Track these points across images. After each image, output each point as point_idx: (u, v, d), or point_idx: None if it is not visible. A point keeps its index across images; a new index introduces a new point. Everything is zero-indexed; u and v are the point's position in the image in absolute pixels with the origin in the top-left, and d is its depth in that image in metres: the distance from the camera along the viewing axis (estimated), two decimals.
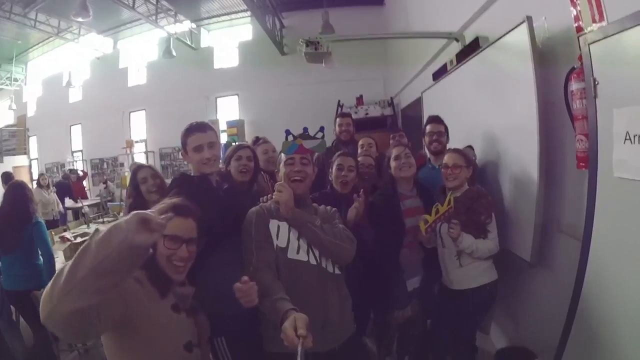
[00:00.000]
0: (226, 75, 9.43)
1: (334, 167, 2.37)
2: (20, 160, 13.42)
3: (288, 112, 8.39)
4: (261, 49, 8.42)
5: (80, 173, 10.51)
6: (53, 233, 5.15)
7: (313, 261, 1.75)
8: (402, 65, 5.72)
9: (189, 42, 9.59)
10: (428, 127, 2.83)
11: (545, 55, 2.09)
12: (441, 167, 2.38)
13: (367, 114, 6.96)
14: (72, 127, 12.29)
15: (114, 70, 11.13)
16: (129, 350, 1.26)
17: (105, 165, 11.67)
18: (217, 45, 9.93)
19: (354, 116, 6.86)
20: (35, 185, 7.87)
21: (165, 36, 9.03)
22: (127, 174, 10.34)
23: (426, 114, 4.20)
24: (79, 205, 8.66)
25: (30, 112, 13.36)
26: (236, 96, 9.43)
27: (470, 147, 2.75)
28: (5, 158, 12.91)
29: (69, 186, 9.27)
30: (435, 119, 2.84)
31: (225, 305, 1.52)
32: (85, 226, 6.25)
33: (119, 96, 10.92)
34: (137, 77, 10.85)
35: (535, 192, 2.15)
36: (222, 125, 9.29)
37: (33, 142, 13.53)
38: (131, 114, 11.08)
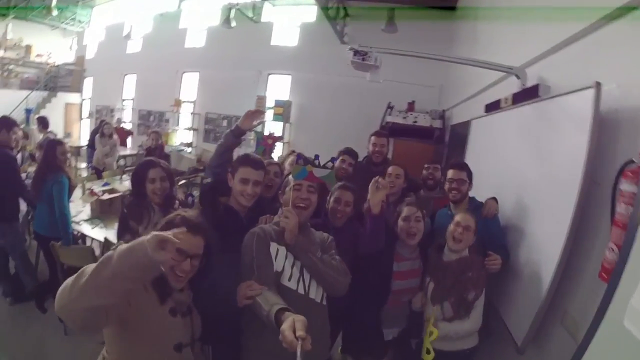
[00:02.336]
0: (282, 53, 9.58)
1: (332, 199, 2.43)
2: (73, 97, 14.55)
3: (336, 103, 8.48)
4: (322, 34, 8.41)
5: (125, 126, 11.21)
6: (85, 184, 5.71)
7: (301, 291, 1.86)
8: (461, 79, 5.57)
9: (250, 15, 9.71)
10: (449, 173, 2.77)
11: (606, 129, 1.89)
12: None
13: (415, 121, 6.89)
14: (126, 76, 12.96)
15: (174, 29, 11.56)
16: (123, 343, 1.48)
17: (151, 118, 12.21)
18: (277, 22, 10.00)
19: (401, 121, 6.92)
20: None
21: (228, 4, 9.13)
22: (171, 131, 10.83)
23: (472, 143, 4.16)
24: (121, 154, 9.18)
25: (90, 54, 14.19)
26: (289, 76, 9.48)
27: (494, 199, 2.68)
28: (59, 93, 14.14)
29: (103, 134, 9.66)
30: (457, 165, 2.80)
31: (216, 315, 1.75)
32: (118, 177, 6.63)
33: (175, 55, 11.37)
34: (196, 39, 11.20)
35: (551, 275, 2.01)
36: (270, 102, 9.53)
37: (88, 83, 14.40)
38: (184, 74, 11.51)
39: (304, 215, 1.95)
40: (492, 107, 3.60)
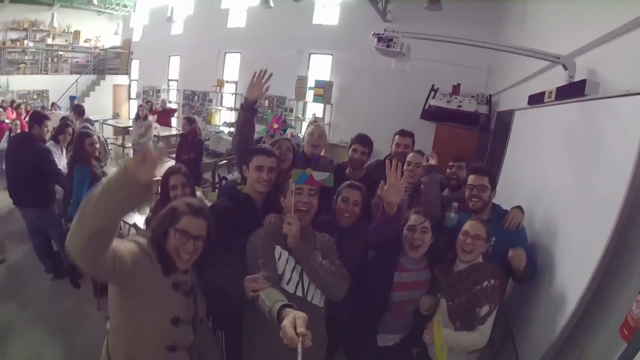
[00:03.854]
0: (323, 32, 9.42)
1: (339, 198, 2.40)
2: (121, 79, 15.37)
3: (378, 84, 8.26)
4: (363, 12, 8.16)
5: (170, 106, 11.61)
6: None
7: (300, 294, 1.94)
8: (510, 62, 5.24)
9: None
10: (469, 179, 2.60)
11: None
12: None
13: (459, 106, 6.56)
14: (171, 57, 13.43)
15: (216, 9, 11.68)
16: (125, 308, 1.61)
17: (196, 98, 12.56)
18: (318, 0, 9.77)
19: (445, 105, 6.65)
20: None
21: None
22: (214, 111, 11.05)
23: (513, 137, 3.87)
24: (164, 134, 9.59)
25: (136, 37, 14.88)
26: (330, 56, 9.35)
27: (520, 208, 2.52)
28: (108, 76, 15.02)
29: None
30: (478, 170, 2.62)
31: (228, 304, 1.88)
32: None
33: (217, 36, 11.57)
34: (237, 19, 11.29)
35: (572, 309, 1.82)
36: (311, 83, 9.53)
37: (135, 65, 15.16)
38: (227, 54, 11.69)
39: (305, 219, 2.02)
40: (536, 99, 3.34)
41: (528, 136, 3.50)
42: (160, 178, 2.69)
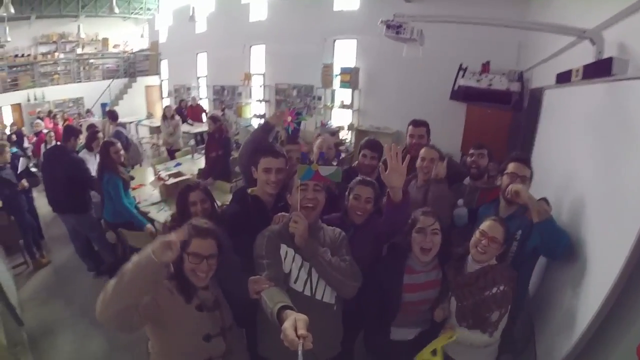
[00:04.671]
0: (346, 18, 9.27)
1: (351, 195, 2.37)
2: (152, 80, 15.98)
3: (405, 66, 7.94)
4: None
5: (197, 103, 12.08)
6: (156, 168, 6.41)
7: (308, 292, 1.96)
8: (541, 36, 4.95)
9: None
10: (511, 167, 2.47)
11: None
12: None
13: (490, 84, 6.27)
14: (198, 55, 13.72)
15: (237, 4, 11.79)
16: (160, 339, 1.81)
17: (225, 93, 12.78)
18: None
19: (474, 84, 6.41)
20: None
21: None
22: (244, 104, 11.15)
23: (544, 119, 3.65)
24: (196, 129, 10.19)
25: (162, 38, 15.39)
26: (355, 41, 9.20)
27: (545, 200, 2.37)
28: (139, 78, 15.77)
29: (182, 113, 10.68)
30: (522, 160, 2.50)
31: (242, 304, 1.98)
32: (189, 156, 7.33)
33: (241, 30, 11.68)
34: (258, 12, 11.32)
35: (592, 315, 1.68)
36: (337, 70, 9.43)
37: (164, 65, 15.70)
38: (252, 47, 11.78)
39: (312, 216, 2.03)
40: (564, 77, 3.14)
41: (558, 118, 3.28)
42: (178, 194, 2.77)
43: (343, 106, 9.61)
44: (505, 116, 6.09)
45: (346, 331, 2.22)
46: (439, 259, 2.29)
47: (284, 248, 1.98)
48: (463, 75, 6.73)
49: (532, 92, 5.34)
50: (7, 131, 9.75)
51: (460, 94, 6.74)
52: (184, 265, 1.77)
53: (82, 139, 4.98)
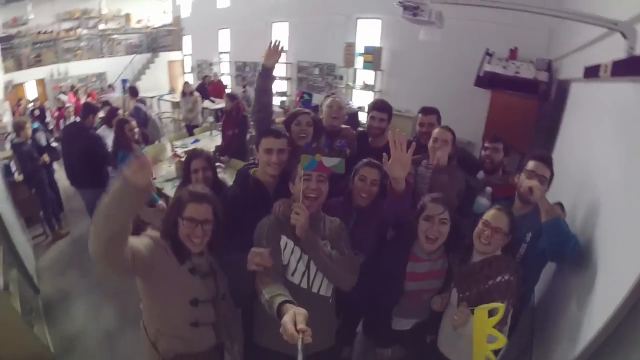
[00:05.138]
0: None
1: (356, 177, 2.34)
2: (175, 55, 16.09)
3: (429, 49, 7.68)
4: None
5: (219, 79, 12.27)
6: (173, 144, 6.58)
7: (304, 285, 1.97)
8: (573, 24, 4.64)
9: None
10: (530, 164, 2.34)
11: None
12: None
13: (517, 72, 5.98)
14: (220, 31, 13.67)
15: None
16: (150, 298, 1.86)
17: (247, 69, 12.76)
18: None
19: (500, 71, 6.17)
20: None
21: None
22: None
23: (569, 110, 3.46)
24: (217, 106, 10.22)
25: (185, 14, 15.31)
26: (379, 20, 8.92)
27: (560, 204, 2.33)
28: (162, 53, 15.96)
29: (205, 89, 10.91)
30: (543, 158, 2.36)
31: (240, 285, 2.01)
32: (208, 133, 7.40)
33: (264, 6, 11.53)
34: None
35: (591, 338, 1.60)
36: (360, 49, 9.26)
37: (187, 41, 15.66)
38: (273, 24, 11.65)
39: (314, 207, 2.01)
40: (591, 72, 2.93)
41: (583, 114, 3.12)
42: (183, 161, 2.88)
43: (365, 87, 9.44)
44: (531, 106, 5.84)
45: (345, 322, 2.30)
46: (446, 249, 2.24)
47: (284, 239, 1.98)
48: (489, 61, 6.46)
49: (560, 83, 5.10)
50: (30, 106, 9.97)
51: (485, 81, 6.50)
52: (178, 230, 1.80)
53: (100, 115, 5.17)
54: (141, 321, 2.04)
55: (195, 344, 1.94)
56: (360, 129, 7.93)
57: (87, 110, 4.93)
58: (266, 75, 2.71)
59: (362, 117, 8.89)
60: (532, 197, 2.13)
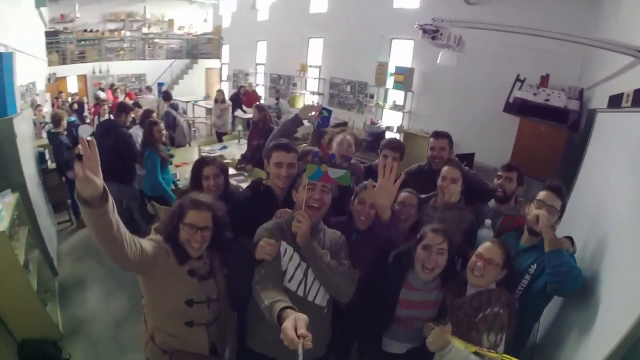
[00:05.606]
0: (404, 16, 9.05)
1: (356, 200, 2.34)
2: (213, 63, 16.65)
3: (460, 72, 7.64)
4: None
5: (254, 89, 12.46)
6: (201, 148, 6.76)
7: (301, 293, 1.97)
8: (607, 52, 4.55)
9: None
10: (540, 194, 2.29)
11: None
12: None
13: (547, 100, 5.85)
14: (258, 42, 14.07)
15: None
16: (149, 293, 1.96)
17: (281, 82, 13.04)
18: None
19: (531, 98, 6.07)
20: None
21: None
22: (298, 95, 11.30)
23: (594, 141, 3.36)
24: (248, 115, 10.22)
25: (225, 23, 15.94)
26: (412, 41, 8.96)
27: (570, 239, 2.26)
28: (200, 60, 16.52)
29: (239, 99, 11.13)
30: (554, 188, 2.29)
31: (239, 287, 2.04)
32: (236, 141, 7.63)
33: (301, 21, 11.80)
34: (319, 5, 11.39)
35: None
36: (392, 69, 9.30)
37: (225, 50, 16.22)
38: (310, 39, 11.89)
39: (316, 217, 2.01)
40: (615, 101, 2.87)
41: (604, 145, 2.99)
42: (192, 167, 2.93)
43: (395, 106, 9.43)
44: (560, 136, 5.71)
45: (343, 334, 2.30)
46: (442, 281, 2.20)
47: (284, 245, 1.98)
48: (520, 87, 6.37)
49: (589, 112, 4.97)
50: (69, 100, 10.42)
51: (515, 107, 6.39)
52: (179, 235, 1.89)
53: (132, 115, 5.45)
54: (143, 314, 2.14)
55: (189, 343, 2.01)
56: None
57: (121, 109, 5.26)
58: (296, 124, 2.94)
59: (389, 136, 8.99)
60: (538, 226, 2.09)
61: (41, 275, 3.83)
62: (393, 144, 3.13)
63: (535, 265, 2.15)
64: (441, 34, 2.83)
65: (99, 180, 1.43)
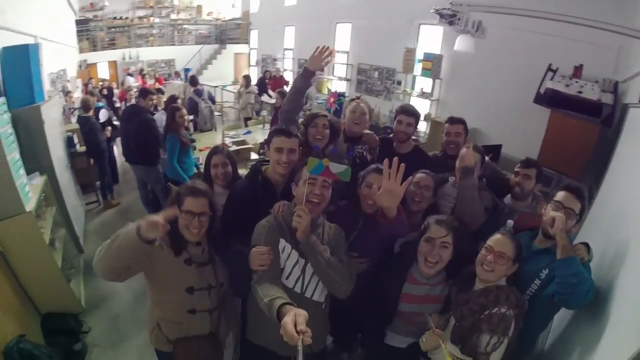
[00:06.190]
0: (433, 1, 8.59)
1: (363, 184, 2.27)
2: (242, 48, 16.84)
3: (490, 60, 7.43)
4: None
5: (281, 75, 12.58)
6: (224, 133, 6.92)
7: (298, 290, 1.97)
8: None
9: None
10: (558, 195, 2.15)
11: None
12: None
13: (580, 92, 5.50)
14: (286, 28, 14.03)
15: None
16: (150, 287, 2.05)
17: None
18: None
19: (562, 89, 5.75)
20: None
21: None
22: (326, 80, 11.20)
23: (623, 138, 3.16)
24: (273, 100, 10.32)
25: (253, 9, 15.96)
26: (441, 27, 8.63)
27: (586, 245, 2.08)
28: (229, 45, 16.82)
29: (264, 83, 11.28)
30: (574, 189, 2.15)
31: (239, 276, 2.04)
32: (261, 126, 7.79)
33: (329, 6, 11.68)
34: None
35: None
36: (419, 55, 9.10)
37: (253, 35, 16.30)
38: (337, 24, 11.73)
39: (316, 212, 1.98)
40: None
41: (635, 143, 2.83)
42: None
43: (422, 94, 9.24)
44: (592, 130, 5.39)
45: (347, 327, 2.31)
46: (448, 275, 2.14)
47: (282, 242, 1.97)
48: (552, 78, 6.05)
49: (623, 107, 4.66)
50: (99, 85, 10.74)
51: (546, 98, 6.08)
52: (177, 223, 1.96)
53: (154, 99, 5.62)
54: (149, 306, 2.24)
55: (192, 328, 2.09)
56: (414, 137, 7.81)
57: (141, 93, 5.43)
58: (307, 78, 2.76)
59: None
60: (553, 229, 1.95)
61: (67, 252, 4.09)
62: (408, 109, 3.09)
63: (546, 270, 2.03)
64: (459, 19, 2.69)
65: (163, 232, 1.69)
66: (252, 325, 2.13)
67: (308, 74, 2.75)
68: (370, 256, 2.25)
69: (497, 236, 1.96)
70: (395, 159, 1.84)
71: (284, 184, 2.33)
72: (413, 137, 3.28)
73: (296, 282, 1.96)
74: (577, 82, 5.70)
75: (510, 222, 2.44)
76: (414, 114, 3.09)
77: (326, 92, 11.59)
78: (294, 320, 1.34)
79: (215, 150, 2.88)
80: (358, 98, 3.41)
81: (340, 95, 2.66)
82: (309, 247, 1.90)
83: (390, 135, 3.29)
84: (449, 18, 2.71)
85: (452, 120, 3.22)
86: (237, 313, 2.36)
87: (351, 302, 2.13)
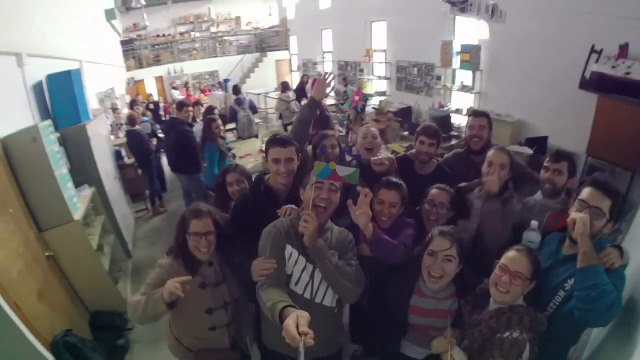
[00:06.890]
0: None
1: (375, 201, 2.25)
2: (282, 54, 17.22)
3: (530, 47, 7.02)
4: None
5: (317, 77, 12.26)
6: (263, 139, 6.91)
7: (307, 296, 1.94)
8: None
9: None
10: (584, 192, 1.88)
11: None
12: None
13: (627, 73, 5.05)
14: (323, 31, 14.16)
15: None
16: (173, 312, 2.08)
17: (349, 68, 13.03)
18: None
19: (609, 72, 5.31)
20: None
21: None
22: (367, 80, 11.10)
23: None
24: None
25: (290, 15, 16.23)
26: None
27: (619, 249, 1.84)
28: (269, 52, 17.29)
29: (303, 88, 11.39)
30: (602, 185, 1.85)
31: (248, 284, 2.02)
32: None
33: (362, 5, 11.59)
34: None
35: None
36: (457, 47, 8.82)
37: (293, 41, 16.56)
38: (372, 23, 11.69)
39: (323, 216, 1.95)
40: None
41: None
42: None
43: (462, 87, 8.95)
44: None
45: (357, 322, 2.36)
46: (457, 290, 2.03)
47: (289, 249, 1.94)
48: (597, 60, 5.58)
49: None
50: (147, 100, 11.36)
51: (592, 83, 5.61)
52: (187, 245, 2.09)
53: (190, 111, 5.82)
54: (167, 325, 2.39)
55: (213, 342, 2.24)
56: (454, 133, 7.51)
57: (178, 106, 5.73)
58: (313, 108, 2.75)
59: (457, 119, 8.48)
60: (574, 232, 1.76)
61: (115, 256, 4.45)
62: (429, 130, 2.97)
63: (572, 280, 1.80)
64: (470, 4, 2.54)
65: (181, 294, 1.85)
66: (266, 330, 2.15)
67: (314, 104, 2.74)
68: (383, 271, 2.20)
69: (512, 253, 1.78)
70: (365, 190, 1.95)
71: (287, 191, 2.34)
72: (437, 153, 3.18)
73: (305, 287, 1.94)
74: (623, 62, 5.25)
75: (534, 223, 2.14)
76: (436, 135, 2.96)
77: (370, 92, 11.51)
78: (296, 321, 1.34)
79: (227, 170, 2.97)
80: (367, 124, 3.40)
81: (367, 95, 2.64)
82: (316, 252, 1.87)
83: (409, 153, 3.21)
84: (460, 5, 2.55)
85: (476, 114, 3.13)
86: (252, 319, 2.41)
87: (361, 310, 2.18)
